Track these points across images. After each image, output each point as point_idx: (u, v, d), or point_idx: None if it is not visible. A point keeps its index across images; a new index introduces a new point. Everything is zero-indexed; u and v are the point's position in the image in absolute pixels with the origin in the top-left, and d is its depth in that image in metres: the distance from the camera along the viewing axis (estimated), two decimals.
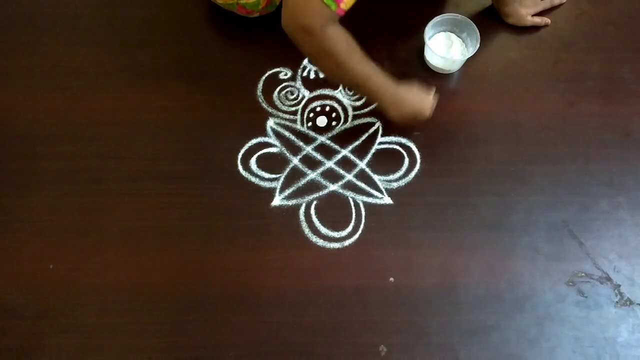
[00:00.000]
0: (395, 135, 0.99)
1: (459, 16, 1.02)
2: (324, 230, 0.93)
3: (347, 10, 0.79)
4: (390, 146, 0.99)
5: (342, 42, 0.82)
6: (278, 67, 1.06)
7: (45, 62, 1.08)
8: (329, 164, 0.98)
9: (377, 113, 1.01)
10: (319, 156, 0.98)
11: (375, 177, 0.97)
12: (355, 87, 0.90)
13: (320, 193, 0.96)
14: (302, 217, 0.94)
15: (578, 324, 0.86)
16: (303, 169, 0.97)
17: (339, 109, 1.02)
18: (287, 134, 1.00)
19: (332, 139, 1.00)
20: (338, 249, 0.91)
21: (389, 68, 1.05)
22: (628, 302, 0.88)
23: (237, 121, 1.01)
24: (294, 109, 1.03)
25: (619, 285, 0.89)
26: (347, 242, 0.92)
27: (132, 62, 1.07)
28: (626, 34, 1.09)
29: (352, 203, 0.95)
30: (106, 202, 0.95)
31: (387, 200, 0.95)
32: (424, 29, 1.00)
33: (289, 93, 1.04)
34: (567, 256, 0.91)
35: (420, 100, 0.92)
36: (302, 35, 0.81)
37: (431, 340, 0.85)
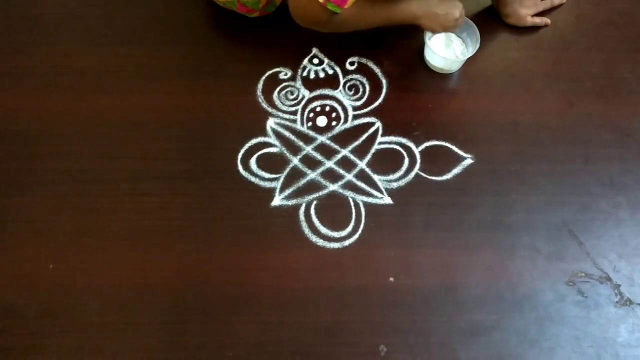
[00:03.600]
0: (395, 135, 1.00)
1: None
2: (324, 230, 0.93)
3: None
4: (390, 146, 0.99)
5: (353, 15, 0.86)
6: (278, 67, 1.06)
7: (45, 62, 1.08)
8: (329, 164, 0.98)
9: (377, 113, 1.01)
10: (319, 156, 0.98)
11: (375, 177, 0.97)
12: (386, 26, 0.95)
13: (320, 193, 0.96)
14: (302, 217, 0.94)
15: (578, 324, 0.86)
16: (303, 169, 0.97)
17: (339, 108, 1.02)
18: (287, 133, 1.00)
19: (332, 139, 1.00)
20: (338, 249, 0.91)
21: (389, 67, 1.05)
22: (628, 302, 0.88)
23: (237, 121, 1.01)
24: (294, 109, 1.03)
25: (619, 285, 0.89)
26: (347, 242, 0.92)
27: (132, 62, 1.07)
28: (626, 34, 1.09)
29: (352, 203, 0.95)
30: (106, 202, 0.95)
31: (387, 200, 0.95)
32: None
33: (289, 93, 1.04)
34: (567, 256, 0.91)
35: (448, 8, 0.94)
36: (313, 27, 0.88)
37: (431, 340, 0.85)
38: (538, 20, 1.09)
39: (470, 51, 1.00)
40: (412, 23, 0.95)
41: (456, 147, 0.99)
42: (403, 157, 0.98)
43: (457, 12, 0.94)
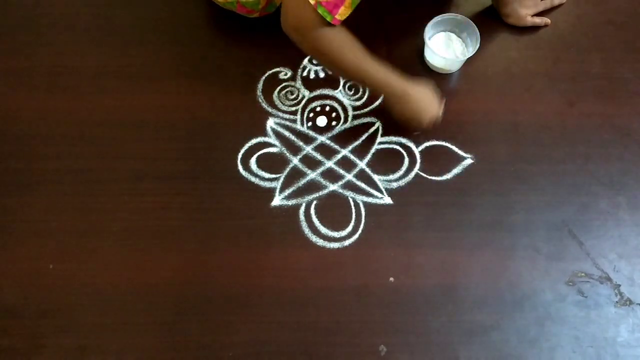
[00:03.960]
0: (395, 135, 0.99)
1: (459, 16, 1.02)
2: (324, 230, 0.93)
3: (342, 21, 0.79)
4: (390, 146, 0.99)
5: (335, 41, 0.81)
6: (278, 67, 1.06)
7: (45, 62, 1.08)
8: (329, 163, 0.98)
9: (377, 113, 1.01)
10: (319, 156, 0.98)
11: (375, 177, 0.97)
12: (357, 83, 0.89)
13: (320, 193, 0.96)
14: (302, 217, 0.94)
15: (578, 324, 0.86)
16: (303, 169, 0.97)
17: (339, 108, 1.02)
18: (287, 133, 1.00)
19: (332, 138, 1.00)
20: (338, 248, 0.91)
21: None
22: (628, 302, 0.88)
23: (237, 121, 1.01)
24: (294, 108, 1.03)
25: (619, 285, 0.89)
26: (347, 242, 0.92)
27: (132, 62, 1.07)
28: (626, 34, 1.09)
29: (352, 203, 0.95)
30: (106, 202, 0.95)
31: (387, 200, 0.95)
32: (424, 29, 1.00)
33: (289, 93, 1.04)
34: (567, 256, 0.91)
35: (426, 102, 0.90)
36: (295, 35, 0.82)
37: (431, 340, 0.85)
38: (538, 20, 1.08)
39: (470, 51, 1.00)
40: (385, 97, 0.89)
41: (456, 147, 0.99)
42: (403, 157, 0.98)
43: (429, 112, 0.90)
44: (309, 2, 0.75)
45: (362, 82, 0.87)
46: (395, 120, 0.94)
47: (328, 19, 0.77)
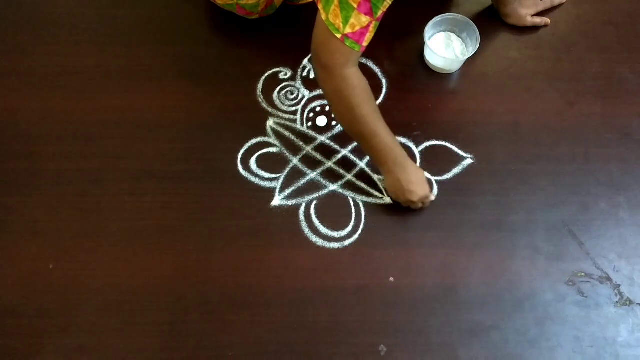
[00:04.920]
0: (395, 135, 0.99)
1: (459, 16, 1.02)
2: (324, 230, 0.93)
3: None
4: None
5: (358, 88, 0.82)
6: (278, 67, 1.06)
7: (45, 62, 1.08)
8: (329, 163, 0.98)
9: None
10: (319, 156, 0.98)
11: (375, 177, 0.97)
12: (361, 140, 0.87)
13: (320, 193, 0.96)
14: (302, 217, 0.94)
15: (578, 324, 0.86)
16: (303, 169, 0.97)
17: None
18: (287, 133, 1.00)
19: (332, 138, 1.00)
20: (338, 248, 0.91)
21: (389, 67, 1.05)
22: (628, 302, 0.88)
23: (237, 121, 1.01)
24: (294, 108, 1.03)
25: (619, 285, 0.89)
26: (347, 242, 0.92)
27: (132, 62, 1.07)
28: (626, 34, 1.09)
29: (352, 203, 0.95)
30: (106, 202, 0.95)
31: (387, 200, 0.95)
32: (424, 28, 1.00)
33: (289, 93, 1.04)
34: (567, 256, 0.91)
35: (417, 185, 0.89)
36: (321, 72, 0.82)
37: (431, 340, 0.85)
38: (538, 20, 1.08)
39: (471, 51, 1.00)
40: (382, 164, 0.89)
41: (456, 147, 0.99)
42: None
43: (424, 193, 0.89)
44: (336, 37, 0.76)
45: (369, 138, 0.85)
46: (385, 188, 0.93)
47: (356, 49, 0.78)
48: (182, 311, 0.87)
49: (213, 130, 1.01)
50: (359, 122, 0.84)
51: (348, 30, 0.75)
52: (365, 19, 0.75)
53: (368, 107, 0.84)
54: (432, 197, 0.93)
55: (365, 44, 0.79)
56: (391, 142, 0.86)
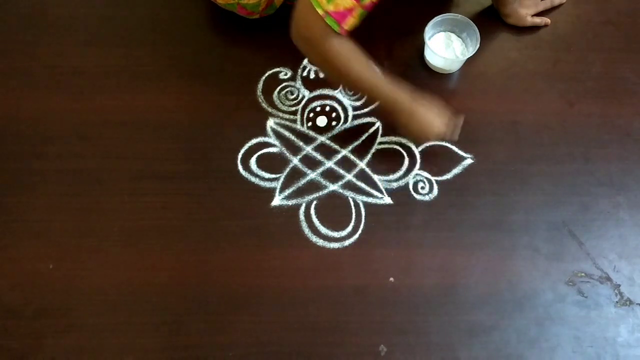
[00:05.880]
0: (395, 135, 0.99)
1: (459, 16, 1.02)
2: (324, 230, 0.93)
3: (349, 31, 0.79)
4: (390, 146, 0.99)
5: (343, 52, 0.81)
6: (278, 67, 1.06)
7: (45, 62, 1.08)
8: (329, 164, 0.98)
9: (377, 113, 1.01)
10: (319, 156, 0.98)
11: (375, 177, 0.97)
12: (363, 95, 0.89)
13: (320, 193, 0.96)
14: (302, 217, 0.94)
15: (578, 324, 0.86)
16: (303, 169, 0.97)
17: (339, 108, 1.02)
18: (287, 134, 1.00)
19: (332, 139, 1.00)
20: (338, 248, 0.91)
21: (388, 68, 1.05)
22: (628, 302, 0.88)
23: (237, 121, 1.01)
24: (294, 109, 1.03)
25: (619, 285, 0.89)
26: (347, 242, 0.92)
27: (132, 62, 1.07)
28: (626, 34, 1.09)
29: (352, 203, 0.95)
30: (106, 202, 0.95)
31: (387, 200, 0.95)
32: (424, 28, 1.00)
33: (289, 93, 1.04)
34: (567, 256, 0.91)
35: (432, 116, 0.88)
36: (304, 45, 0.82)
37: (431, 340, 0.85)
38: (538, 20, 1.08)
39: (470, 51, 1.00)
40: (390, 113, 0.87)
41: (456, 147, 0.99)
42: (403, 157, 0.98)
43: (440, 129, 0.88)
44: (317, 12, 0.75)
45: (369, 94, 0.87)
46: (401, 134, 0.93)
47: (335, 28, 0.77)
48: (182, 311, 0.87)
49: (213, 130, 1.01)
50: (353, 84, 0.85)
51: (331, 8, 0.75)
52: (350, 1, 0.74)
53: (357, 66, 0.82)
54: (457, 128, 0.90)
55: (346, 27, 0.77)
56: (391, 93, 0.85)
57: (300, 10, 0.79)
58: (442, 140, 0.91)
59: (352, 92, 0.97)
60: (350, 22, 0.77)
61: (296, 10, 0.80)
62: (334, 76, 0.87)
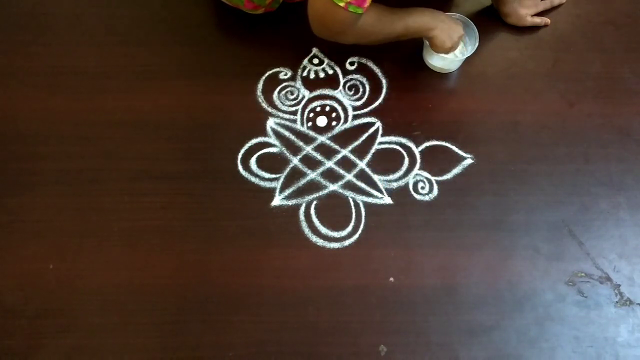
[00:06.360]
0: (395, 135, 1.00)
1: (458, 15, 1.01)
2: (323, 230, 0.93)
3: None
4: (390, 146, 0.99)
5: (370, 23, 0.87)
6: (278, 67, 1.06)
7: (45, 62, 1.08)
8: (329, 164, 0.98)
9: (377, 113, 1.01)
10: (319, 156, 0.98)
11: (375, 177, 0.97)
12: (402, 38, 0.95)
13: (320, 193, 0.96)
14: (302, 217, 0.94)
15: (578, 324, 0.86)
16: (303, 169, 0.97)
17: (339, 108, 1.02)
18: (287, 133, 1.00)
19: (332, 139, 1.00)
20: (338, 248, 0.91)
21: (388, 67, 1.05)
22: (628, 302, 0.88)
23: (237, 121, 1.01)
24: (294, 109, 1.03)
25: (619, 285, 0.89)
26: (347, 242, 0.92)
27: (132, 62, 1.07)
28: (626, 34, 1.09)
29: (352, 203, 0.95)
30: (106, 202, 0.95)
31: (387, 200, 0.95)
32: None
33: (289, 93, 1.04)
34: (567, 256, 0.91)
35: (452, 27, 0.95)
36: (337, 37, 0.88)
37: (431, 340, 0.85)
38: (538, 20, 1.08)
39: (470, 50, 1.00)
40: (425, 35, 0.95)
41: (456, 147, 0.99)
42: (403, 157, 0.98)
43: (460, 29, 0.96)
44: (339, 5, 0.80)
45: (405, 36, 0.94)
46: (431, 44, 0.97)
47: (360, 12, 0.82)
48: (182, 311, 0.87)
49: (213, 130, 1.01)
50: (390, 37, 0.93)
51: None
52: None
53: (388, 23, 0.90)
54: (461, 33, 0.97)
55: (367, 4, 0.82)
56: (416, 20, 0.92)
57: (319, 8, 0.83)
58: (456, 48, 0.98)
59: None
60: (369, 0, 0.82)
61: (313, 9, 0.84)
62: (375, 42, 0.95)
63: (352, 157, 0.98)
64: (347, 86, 1.04)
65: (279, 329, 0.86)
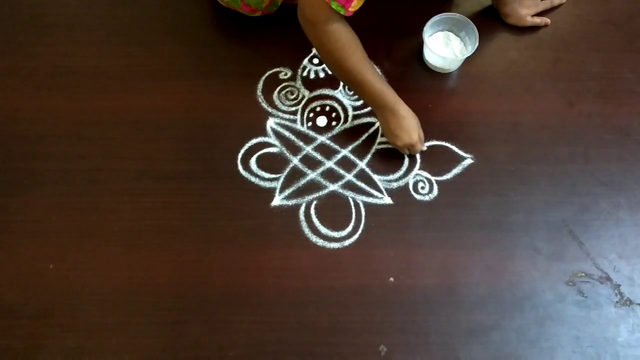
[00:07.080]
0: None
1: (458, 15, 1.02)
2: (323, 230, 0.93)
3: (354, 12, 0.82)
4: (390, 146, 0.99)
5: (341, 41, 0.83)
6: (278, 67, 1.06)
7: (45, 62, 1.08)
8: (329, 164, 0.98)
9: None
10: (319, 156, 0.98)
11: (375, 177, 0.97)
12: (353, 88, 0.91)
13: (320, 193, 0.96)
14: (302, 217, 0.94)
15: (578, 324, 0.86)
16: (303, 169, 0.97)
17: (339, 109, 1.02)
18: (287, 134, 1.00)
19: (332, 139, 1.00)
20: (338, 248, 0.91)
21: (388, 67, 1.05)
22: (628, 302, 0.88)
23: (237, 121, 1.01)
24: (294, 109, 1.03)
25: (619, 285, 0.89)
26: (347, 242, 0.92)
27: (132, 62, 1.07)
28: (626, 34, 1.09)
29: (352, 203, 0.95)
30: (106, 202, 0.95)
31: (387, 200, 0.95)
32: (423, 28, 1.00)
33: (289, 93, 1.04)
34: (567, 256, 0.91)
35: (404, 131, 0.91)
36: (305, 25, 0.85)
37: (431, 340, 0.85)
38: (538, 20, 1.08)
39: (469, 50, 1.00)
40: (376, 112, 0.92)
41: (456, 147, 0.99)
42: (403, 157, 0.98)
43: (414, 137, 0.91)
44: None
45: (359, 87, 0.88)
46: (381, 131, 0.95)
47: (342, 12, 0.80)
48: (182, 311, 0.87)
49: (213, 130, 1.01)
50: (347, 73, 0.87)
51: None
52: None
53: (354, 58, 0.85)
54: (422, 148, 0.94)
55: (351, 9, 0.80)
56: (380, 89, 0.88)
57: None
58: (408, 149, 0.93)
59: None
60: (355, 4, 0.80)
61: None
62: (329, 62, 0.89)
63: (352, 157, 0.98)
64: (347, 86, 1.04)
65: (278, 329, 0.86)
